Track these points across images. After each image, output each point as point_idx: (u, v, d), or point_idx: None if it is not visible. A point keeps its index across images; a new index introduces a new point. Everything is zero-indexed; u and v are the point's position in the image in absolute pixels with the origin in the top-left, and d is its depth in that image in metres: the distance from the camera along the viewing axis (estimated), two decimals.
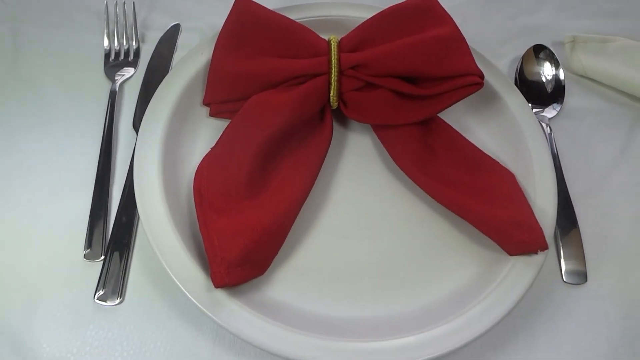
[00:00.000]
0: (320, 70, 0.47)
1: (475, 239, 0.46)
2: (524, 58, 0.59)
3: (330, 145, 0.48)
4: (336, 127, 0.50)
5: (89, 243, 0.45)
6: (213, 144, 0.48)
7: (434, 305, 0.43)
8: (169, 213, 0.43)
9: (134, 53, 0.57)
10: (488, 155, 0.49)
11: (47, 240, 0.46)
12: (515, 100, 0.52)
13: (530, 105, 0.54)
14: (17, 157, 0.50)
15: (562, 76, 0.58)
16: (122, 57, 0.56)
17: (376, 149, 0.51)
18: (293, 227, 0.44)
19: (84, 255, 0.45)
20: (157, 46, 0.57)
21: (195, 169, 0.46)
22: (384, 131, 0.49)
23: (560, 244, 0.48)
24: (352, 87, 0.48)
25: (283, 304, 0.42)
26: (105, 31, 0.57)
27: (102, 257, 0.45)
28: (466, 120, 0.53)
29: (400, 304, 0.43)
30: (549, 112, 0.56)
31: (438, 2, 0.50)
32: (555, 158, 0.52)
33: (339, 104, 0.49)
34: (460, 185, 0.47)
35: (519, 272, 0.43)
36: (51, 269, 0.44)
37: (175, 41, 0.58)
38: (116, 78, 0.55)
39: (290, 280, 0.44)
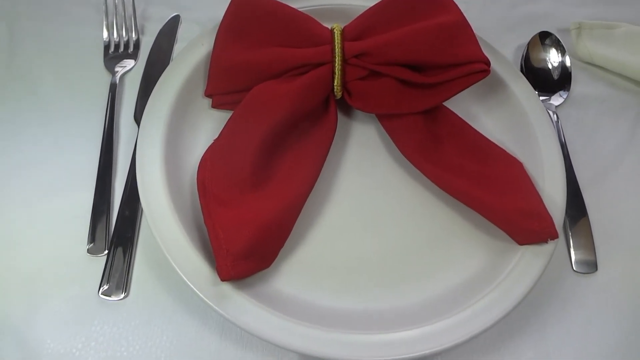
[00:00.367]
0: (323, 59, 0.46)
1: (483, 228, 0.45)
2: (530, 45, 0.58)
3: (335, 136, 0.47)
4: (340, 117, 0.50)
5: (92, 237, 0.44)
6: (216, 136, 0.47)
7: (442, 296, 0.43)
8: (173, 206, 0.43)
9: (134, 45, 0.56)
10: (495, 144, 0.48)
11: (50, 235, 0.45)
12: (521, 88, 0.52)
13: (536, 93, 0.53)
14: (17, 153, 0.49)
15: (568, 63, 0.57)
16: (121, 49, 0.56)
17: (381, 138, 0.50)
18: (299, 219, 0.43)
19: (88, 249, 0.44)
20: (157, 38, 0.57)
21: (199, 161, 0.45)
22: (389, 120, 0.49)
23: (570, 233, 0.47)
24: (356, 76, 0.47)
25: (290, 296, 0.42)
26: (104, 23, 0.56)
27: (106, 251, 0.44)
28: (472, 109, 0.52)
29: (407, 296, 0.43)
30: (556, 100, 0.55)
31: None
32: (563, 146, 0.51)
33: (343, 94, 0.48)
34: (468, 174, 0.46)
35: (528, 261, 0.43)
36: (54, 264, 0.44)
37: (175, 33, 0.58)
38: (116, 70, 0.54)
39: (297, 272, 0.43)
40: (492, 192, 0.44)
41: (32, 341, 0.41)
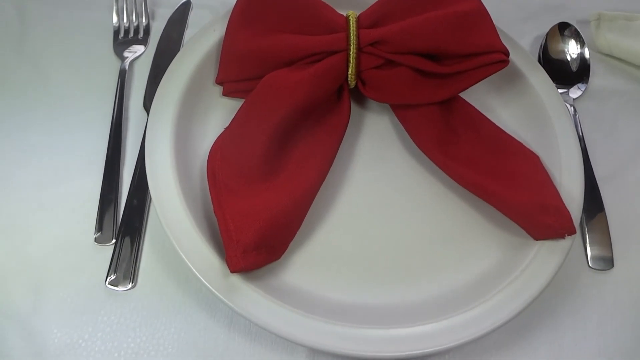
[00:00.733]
0: (338, 47, 0.45)
1: (498, 223, 0.45)
2: (549, 36, 0.57)
3: (348, 126, 0.46)
4: (354, 107, 0.49)
5: (99, 226, 0.44)
6: (226, 124, 0.46)
7: (456, 291, 0.42)
8: (182, 195, 0.42)
9: (144, 30, 0.55)
10: (512, 137, 0.47)
11: (57, 223, 0.44)
12: (540, 80, 0.50)
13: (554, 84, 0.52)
14: (25, 139, 0.48)
15: (587, 55, 0.56)
16: (131, 34, 0.55)
17: (395, 129, 0.49)
18: (310, 210, 0.43)
19: (95, 239, 0.43)
20: (167, 23, 0.56)
21: (209, 150, 0.44)
22: (403, 111, 0.48)
23: (586, 229, 0.47)
24: (371, 65, 0.46)
25: (300, 289, 0.41)
26: (114, 8, 0.55)
27: (114, 240, 0.43)
28: (489, 100, 0.51)
29: (419, 290, 0.42)
30: (574, 93, 0.54)
31: None
32: (580, 140, 0.50)
33: (357, 83, 0.47)
34: (484, 167, 0.45)
35: (544, 258, 0.42)
36: (61, 253, 0.43)
37: (186, 18, 0.57)
38: (125, 56, 0.53)
39: (307, 265, 0.42)
40: (508, 186, 0.43)
41: (38, 330, 0.40)
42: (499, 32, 0.49)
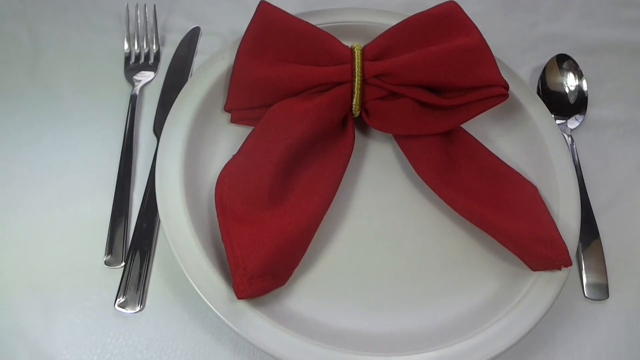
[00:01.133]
0: (343, 78, 0.47)
1: (496, 252, 0.46)
2: (547, 68, 0.58)
3: (352, 154, 0.48)
4: (358, 136, 0.50)
5: (109, 249, 0.45)
6: (234, 151, 0.47)
7: (454, 320, 0.43)
8: (190, 221, 0.43)
9: (154, 56, 0.57)
10: (510, 168, 0.49)
11: (68, 245, 0.46)
12: (538, 111, 0.52)
13: (552, 116, 0.54)
14: (37, 161, 0.50)
15: (585, 87, 0.57)
16: (142, 60, 0.56)
17: (398, 158, 0.51)
18: (314, 237, 0.44)
19: (105, 261, 0.45)
20: (177, 50, 0.57)
21: (217, 177, 0.46)
22: (406, 141, 0.49)
23: (582, 257, 0.48)
24: (375, 96, 0.47)
25: (303, 315, 0.42)
26: (125, 34, 0.57)
27: (123, 263, 0.45)
28: (488, 131, 0.52)
29: (420, 318, 0.43)
30: (572, 123, 0.55)
31: (462, 10, 0.49)
32: (577, 169, 0.52)
33: (361, 113, 0.49)
34: (482, 198, 0.46)
35: (540, 288, 0.43)
36: (72, 274, 0.44)
37: (196, 45, 0.58)
38: (136, 81, 0.54)
39: (311, 292, 0.44)
40: (506, 217, 0.45)
41: (47, 350, 0.41)
42: (499, 63, 0.50)
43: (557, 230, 0.44)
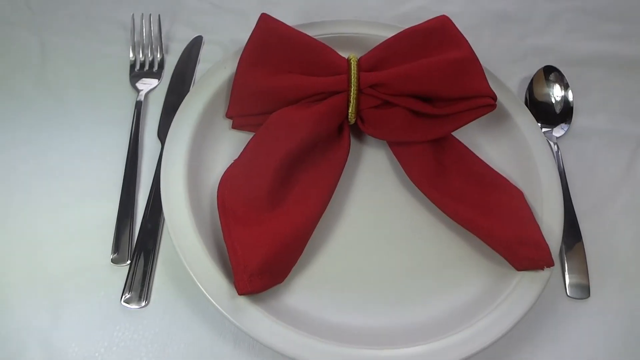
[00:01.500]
0: (340, 88, 0.49)
1: (484, 253, 0.48)
2: (534, 79, 0.61)
3: (348, 160, 0.50)
4: (353, 142, 0.52)
5: (116, 248, 0.47)
6: (235, 156, 0.50)
7: (444, 315, 0.45)
8: (194, 221, 0.45)
9: (159, 64, 0.59)
10: (498, 173, 0.51)
11: (76, 244, 0.48)
12: (525, 120, 0.54)
13: (539, 124, 0.56)
14: (46, 164, 0.52)
15: (570, 98, 0.60)
16: (146, 67, 0.59)
17: (391, 164, 0.53)
18: (311, 238, 0.46)
19: (111, 259, 0.47)
20: (180, 58, 0.60)
21: (219, 180, 0.48)
22: (398, 147, 0.51)
23: (565, 258, 0.50)
24: (370, 104, 0.50)
25: (300, 311, 0.44)
26: (130, 42, 0.59)
27: (128, 261, 0.47)
28: (477, 138, 0.55)
29: (411, 314, 0.45)
30: (557, 132, 0.58)
31: (453, 24, 0.52)
32: (562, 176, 0.54)
33: (356, 120, 0.51)
34: (471, 201, 0.48)
35: (525, 287, 0.45)
36: (80, 272, 0.46)
37: (198, 53, 0.60)
38: (141, 88, 0.57)
39: (308, 289, 0.46)
40: (493, 220, 0.47)
41: (57, 344, 0.43)
42: (488, 74, 0.53)
43: (541, 232, 0.46)
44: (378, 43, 0.52)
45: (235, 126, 0.53)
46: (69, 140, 0.53)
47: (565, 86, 0.60)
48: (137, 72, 0.58)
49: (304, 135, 0.48)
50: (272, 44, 0.51)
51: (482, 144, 0.55)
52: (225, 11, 0.65)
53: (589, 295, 0.49)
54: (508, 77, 0.61)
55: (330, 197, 0.48)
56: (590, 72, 0.64)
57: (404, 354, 0.42)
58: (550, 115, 0.59)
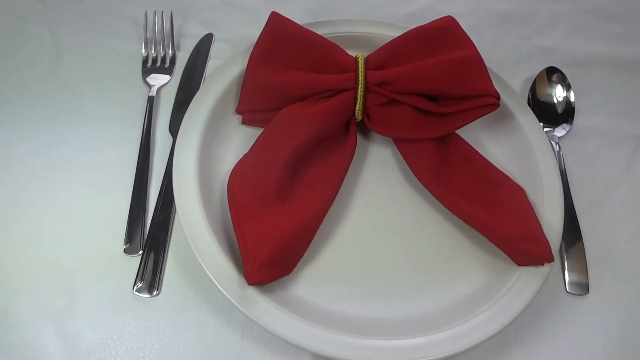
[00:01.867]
0: (347, 85, 0.51)
1: (486, 248, 0.49)
2: (537, 80, 0.62)
3: (354, 155, 0.51)
4: (360, 139, 0.54)
5: (128, 239, 0.48)
6: (245, 150, 0.51)
7: (446, 308, 0.47)
8: (205, 213, 0.46)
9: (170, 60, 0.60)
10: (500, 171, 0.52)
11: (90, 234, 0.49)
12: (527, 120, 0.55)
13: (541, 124, 0.57)
14: (60, 157, 0.53)
15: (572, 98, 0.61)
16: (158, 63, 0.60)
17: (396, 160, 0.54)
18: (318, 231, 0.47)
19: (124, 249, 0.48)
20: (191, 54, 0.61)
21: (229, 174, 0.49)
22: (404, 144, 0.53)
23: (565, 256, 0.51)
24: (376, 102, 0.51)
25: (307, 301, 0.46)
26: (143, 38, 0.61)
27: (141, 252, 0.48)
28: (481, 137, 0.56)
29: (413, 306, 0.47)
30: (559, 132, 0.59)
31: (458, 24, 0.53)
32: (563, 174, 0.55)
33: (363, 118, 0.52)
34: (473, 198, 0.50)
35: (525, 281, 0.46)
36: (93, 261, 0.48)
37: (209, 50, 0.62)
38: (153, 84, 0.58)
39: (314, 280, 0.47)
40: (494, 216, 0.48)
41: (72, 330, 0.45)
42: (493, 75, 0.54)
43: (542, 229, 0.48)
44: (385, 42, 0.54)
45: (245, 122, 0.54)
46: (82, 134, 0.55)
47: (567, 87, 0.62)
48: (149, 67, 0.59)
49: (312, 132, 0.49)
50: (282, 41, 0.52)
51: (486, 143, 0.56)
52: (235, 9, 0.66)
53: (587, 292, 0.50)
54: (511, 77, 0.62)
55: (337, 192, 0.49)
56: (592, 73, 0.65)
57: (406, 344, 0.43)
58: (553, 115, 0.60)
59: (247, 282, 0.43)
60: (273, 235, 0.44)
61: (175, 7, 0.64)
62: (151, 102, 0.56)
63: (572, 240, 0.52)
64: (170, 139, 0.54)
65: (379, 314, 0.46)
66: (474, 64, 0.51)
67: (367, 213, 0.51)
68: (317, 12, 0.66)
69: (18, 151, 0.53)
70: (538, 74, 0.62)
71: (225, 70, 0.55)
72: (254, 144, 0.51)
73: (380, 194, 0.52)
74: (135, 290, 0.46)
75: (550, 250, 0.46)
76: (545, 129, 0.58)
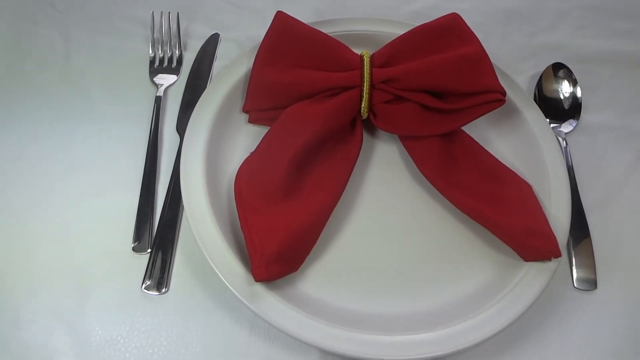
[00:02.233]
0: (353, 83, 0.51)
1: (493, 244, 0.49)
2: (544, 76, 0.62)
3: (360, 153, 0.51)
4: (366, 136, 0.54)
5: (137, 237, 0.49)
6: (251, 148, 0.51)
7: (453, 304, 0.47)
8: (212, 211, 0.47)
9: (177, 60, 0.61)
10: (507, 167, 0.52)
11: (99, 233, 0.49)
12: (533, 116, 0.55)
13: (548, 120, 0.57)
14: (69, 156, 0.54)
15: (579, 94, 0.61)
16: (165, 64, 0.60)
17: (402, 157, 0.55)
18: (325, 228, 0.48)
19: (133, 248, 0.48)
20: (198, 54, 0.61)
21: (236, 171, 0.50)
22: (410, 141, 0.53)
23: (573, 252, 0.51)
24: (382, 99, 0.51)
25: (314, 297, 0.46)
26: (150, 39, 0.61)
27: (149, 250, 0.48)
28: (487, 133, 0.56)
29: (420, 302, 0.47)
30: (566, 127, 0.59)
31: (464, 21, 0.53)
32: (570, 170, 0.55)
33: (369, 115, 0.53)
34: (480, 194, 0.50)
35: (532, 277, 0.46)
36: (103, 260, 0.48)
37: (215, 50, 0.62)
38: (160, 84, 0.58)
39: (321, 277, 0.47)
40: (501, 212, 0.48)
41: (82, 327, 0.45)
42: (499, 71, 0.54)
43: (549, 224, 0.48)
44: (390, 40, 0.54)
45: (251, 120, 0.54)
46: (92, 133, 0.55)
47: (573, 82, 0.62)
48: (157, 68, 0.60)
49: (318, 129, 0.49)
50: (287, 40, 0.52)
51: (492, 139, 0.56)
52: (241, 9, 0.67)
53: (595, 287, 0.50)
54: (517, 74, 0.63)
55: (343, 189, 0.49)
56: (599, 69, 0.65)
57: (413, 340, 0.43)
58: (559, 111, 0.60)
59: (255, 278, 0.43)
60: (280, 233, 0.45)
61: (182, 8, 0.64)
62: (158, 102, 0.57)
63: (580, 236, 0.52)
64: (178, 138, 0.55)
65: (386, 310, 0.46)
66: (479, 60, 0.51)
67: (374, 210, 0.51)
68: (323, 11, 0.67)
69: (28, 151, 0.54)
70: (544, 70, 0.62)
71: (231, 70, 0.55)
72: (260, 142, 0.51)
73: (386, 190, 0.53)
74: (144, 288, 0.47)
75: (558, 245, 0.46)
76: (552, 125, 0.58)
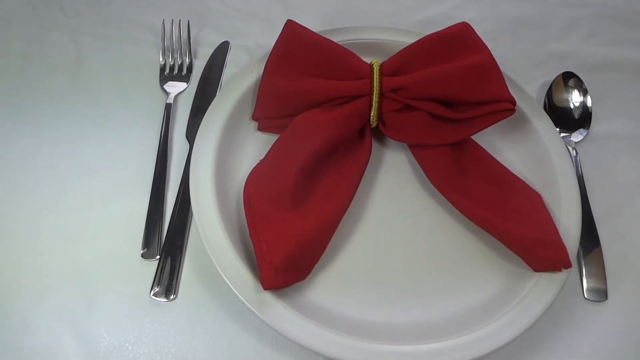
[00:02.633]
0: (362, 92, 0.51)
1: (502, 254, 0.49)
2: (554, 85, 0.62)
3: (369, 161, 0.51)
4: (375, 145, 0.54)
5: (146, 243, 0.49)
6: (261, 156, 0.51)
7: (461, 314, 0.46)
8: (221, 219, 0.47)
9: (187, 68, 0.61)
10: (516, 176, 0.52)
11: (108, 239, 0.50)
12: (543, 125, 0.55)
13: (558, 129, 0.57)
14: (79, 162, 0.54)
15: (589, 103, 0.61)
16: (176, 71, 0.61)
17: (411, 166, 0.54)
18: (334, 236, 0.47)
19: (142, 254, 0.49)
20: (208, 62, 0.62)
21: (245, 179, 0.50)
22: (419, 150, 0.53)
23: (583, 262, 0.51)
24: (391, 108, 0.51)
25: (322, 306, 0.46)
26: (161, 47, 0.61)
27: (158, 256, 0.49)
28: (497, 142, 0.56)
29: (429, 312, 0.46)
30: (576, 137, 0.59)
31: (473, 30, 0.53)
32: (580, 180, 0.55)
33: (378, 123, 0.53)
34: (489, 204, 0.49)
35: (542, 287, 0.46)
36: (111, 266, 0.48)
37: (225, 58, 0.62)
38: (170, 91, 0.59)
39: (329, 285, 0.47)
40: (511, 221, 0.48)
41: (90, 333, 0.45)
42: (508, 80, 0.54)
43: (559, 234, 0.47)
44: (399, 49, 0.54)
45: (260, 128, 0.54)
46: (102, 140, 0.56)
47: (584, 92, 0.61)
48: (167, 75, 0.60)
49: (327, 137, 0.49)
50: (297, 49, 0.52)
51: (502, 148, 0.56)
52: (252, 17, 0.67)
53: (606, 298, 0.49)
54: (527, 83, 0.62)
55: (352, 198, 0.49)
56: (609, 78, 0.65)
57: (421, 350, 0.43)
58: (569, 120, 0.60)
59: (263, 286, 0.43)
60: (289, 241, 0.45)
61: (193, 16, 0.65)
62: (168, 109, 0.57)
63: (590, 246, 0.52)
64: (187, 145, 0.55)
65: (395, 319, 0.46)
66: (489, 69, 0.51)
67: (382, 218, 0.51)
68: (333, 20, 0.67)
69: (39, 157, 0.54)
70: (554, 79, 0.62)
71: (241, 78, 0.55)
72: (269, 150, 0.51)
73: (395, 199, 0.52)
74: (153, 295, 0.47)
75: (568, 255, 0.46)
76: (562, 134, 0.58)
